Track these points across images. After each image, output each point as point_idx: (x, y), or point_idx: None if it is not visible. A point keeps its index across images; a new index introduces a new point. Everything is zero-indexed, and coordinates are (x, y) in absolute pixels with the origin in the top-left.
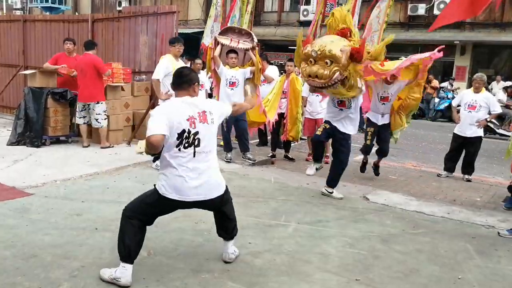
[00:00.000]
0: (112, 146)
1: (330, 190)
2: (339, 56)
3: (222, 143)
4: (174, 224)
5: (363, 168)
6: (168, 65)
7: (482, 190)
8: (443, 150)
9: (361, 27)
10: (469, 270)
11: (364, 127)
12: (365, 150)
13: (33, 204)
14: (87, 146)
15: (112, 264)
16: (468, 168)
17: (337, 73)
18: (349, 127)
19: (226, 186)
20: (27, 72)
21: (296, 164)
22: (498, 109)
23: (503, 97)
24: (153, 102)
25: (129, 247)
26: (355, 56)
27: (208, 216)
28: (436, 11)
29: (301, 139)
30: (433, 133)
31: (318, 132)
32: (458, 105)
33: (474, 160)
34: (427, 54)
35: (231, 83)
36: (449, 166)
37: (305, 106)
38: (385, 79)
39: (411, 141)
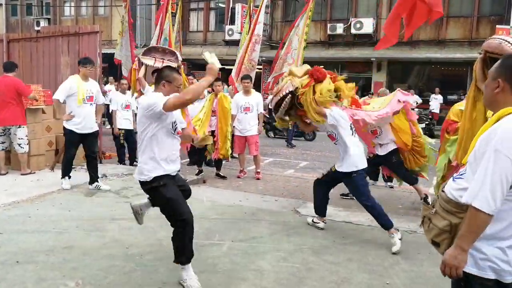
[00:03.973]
0: (34, 173)
1: (390, 234)
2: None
3: None
4: (103, 250)
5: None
6: (73, 85)
7: (403, 197)
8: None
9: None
10: (396, 275)
11: None
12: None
13: None
14: (5, 174)
15: None
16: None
17: (288, 83)
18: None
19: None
20: None
21: (228, 181)
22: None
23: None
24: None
25: None
26: (315, 75)
27: (139, 240)
28: (353, 30)
29: (232, 156)
30: None
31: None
32: None
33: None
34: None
35: None
36: (372, 175)
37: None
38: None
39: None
